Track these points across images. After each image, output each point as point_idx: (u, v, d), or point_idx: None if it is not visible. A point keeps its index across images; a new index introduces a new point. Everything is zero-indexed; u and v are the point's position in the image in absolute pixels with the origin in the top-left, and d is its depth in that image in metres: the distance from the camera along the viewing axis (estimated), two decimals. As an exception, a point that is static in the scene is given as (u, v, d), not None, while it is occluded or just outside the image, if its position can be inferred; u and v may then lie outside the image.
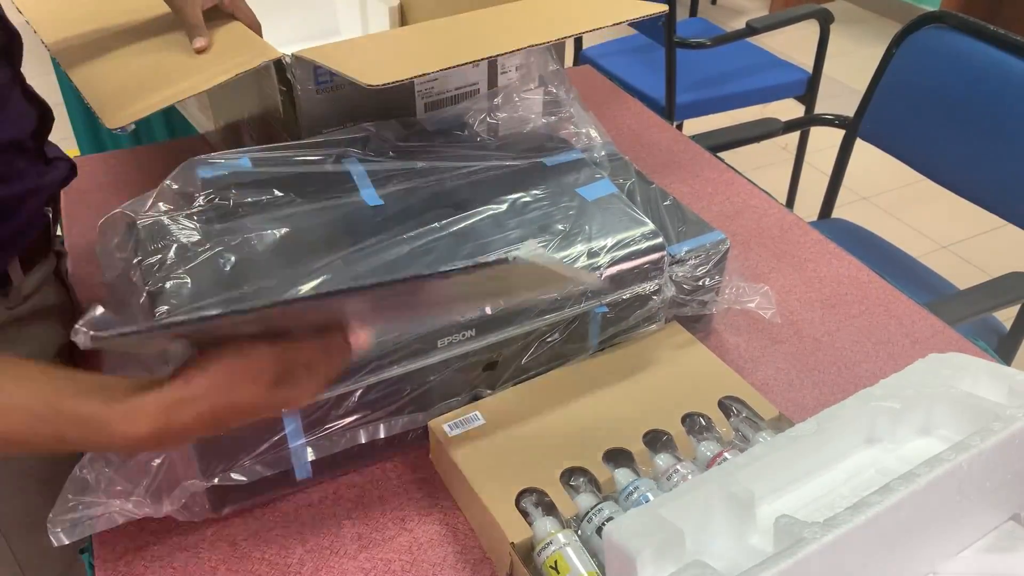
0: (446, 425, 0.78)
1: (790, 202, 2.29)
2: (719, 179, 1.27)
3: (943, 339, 0.98)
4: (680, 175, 1.28)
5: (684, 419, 0.80)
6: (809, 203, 1.98)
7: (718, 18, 4.02)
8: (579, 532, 0.70)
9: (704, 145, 1.37)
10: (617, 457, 0.77)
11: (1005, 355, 1.39)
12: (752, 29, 2.16)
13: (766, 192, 1.24)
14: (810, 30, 2.30)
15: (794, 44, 3.11)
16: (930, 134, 1.51)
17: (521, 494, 0.72)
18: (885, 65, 1.55)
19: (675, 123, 2.30)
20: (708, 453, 0.77)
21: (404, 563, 0.73)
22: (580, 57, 2.46)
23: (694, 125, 2.56)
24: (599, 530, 0.69)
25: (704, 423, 0.80)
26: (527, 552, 0.69)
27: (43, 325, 0.85)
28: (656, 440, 0.79)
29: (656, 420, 0.80)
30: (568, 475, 0.75)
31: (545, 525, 0.69)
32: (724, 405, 0.82)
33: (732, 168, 1.31)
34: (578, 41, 2.49)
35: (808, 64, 2.31)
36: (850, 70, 3.37)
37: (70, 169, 0.89)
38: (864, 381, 0.93)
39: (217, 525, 0.76)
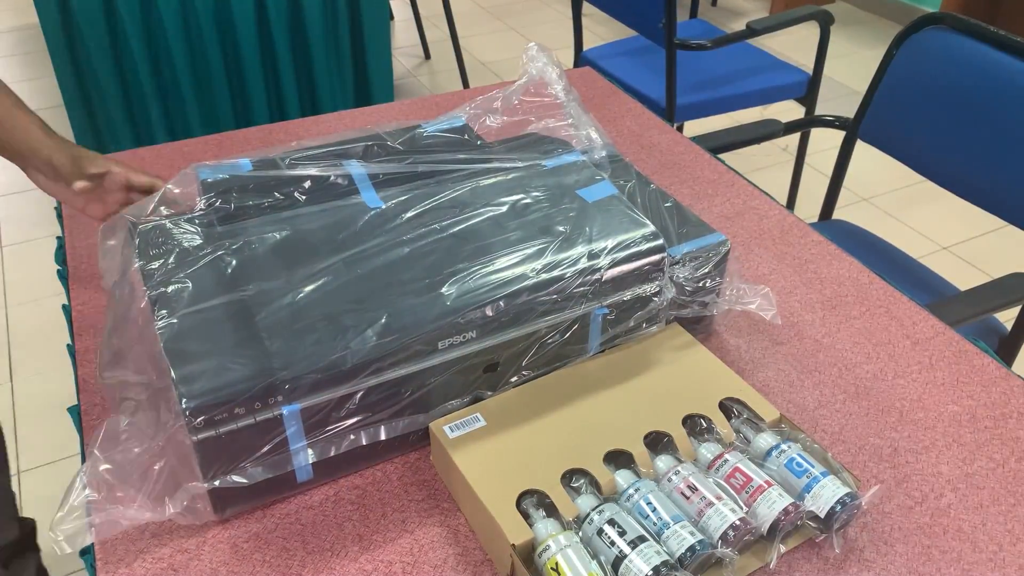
0: (447, 427, 0.79)
1: (791, 203, 2.29)
2: (719, 180, 1.27)
3: (944, 340, 0.98)
4: (680, 176, 1.28)
5: (685, 420, 0.80)
6: (809, 204, 1.98)
7: (718, 20, 4.02)
8: (580, 534, 0.70)
9: (704, 146, 1.37)
10: (618, 459, 0.77)
11: (1006, 356, 1.39)
12: (752, 31, 2.16)
13: (767, 193, 1.25)
14: (810, 32, 2.30)
15: (794, 45, 3.11)
16: (930, 135, 1.51)
17: (522, 496, 0.72)
18: (885, 66, 1.55)
19: (675, 124, 2.30)
20: (709, 455, 0.77)
21: (405, 564, 0.73)
22: (580, 59, 2.46)
23: (694, 127, 2.56)
24: (600, 532, 0.69)
25: (705, 425, 0.80)
26: (528, 554, 0.69)
27: None
28: (657, 442, 0.79)
29: (657, 422, 0.80)
30: (569, 477, 0.75)
31: (546, 527, 0.69)
32: (725, 407, 0.82)
33: (732, 169, 1.31)
34: (578, 43, 2.49)
35: (808, 65, 2.31)
36: (850, 71, 3.37)
37: None
38: (865, 382, 0.93)
39: (218, 527, 0.76)
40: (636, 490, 0.73)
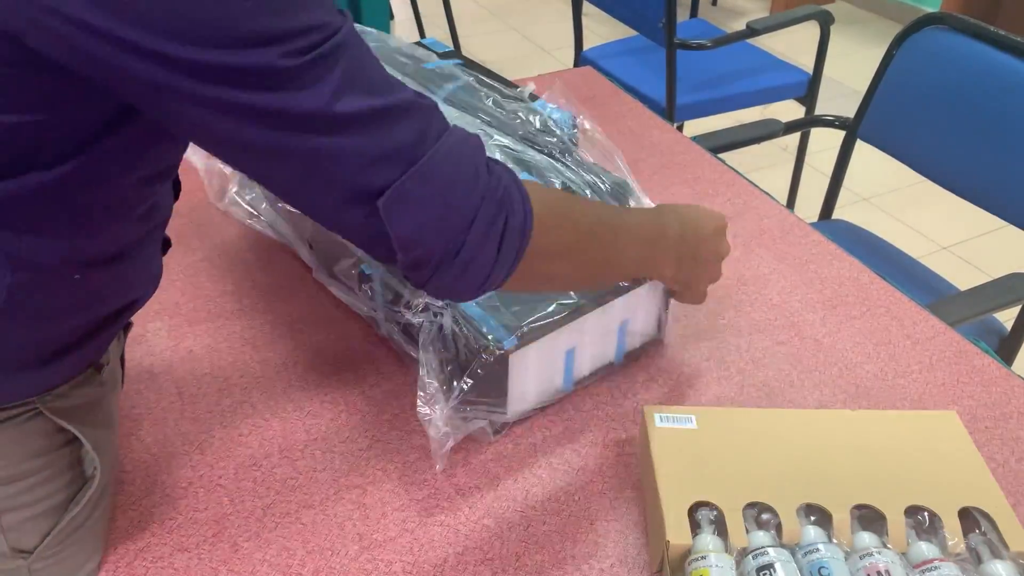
0: (657, 415, 0.79)
1: (791, 203, 2.29)
2: (720, 180, 1.27)
3: (944, 340, 0.98)
4: (681, 176, 1.28)
5: (909, 509, 0.72)
6: (810, 204, 1.98)
7: (718, 19, 4.02)
8: (739, 566, 0.67)
9: (705, 146, 1.37)
10: (814, 512, 0.72)
11: (1006, 356, 1.38)
12: (752, 30, 2.16)
13: (767, 193, 1.25)
14: (810, 31, 2.30)
15: (794, 45, 3.11)
16: (930, 135, 1.51)
17: (699, 505, 0.71)
18: (885, 66, 1.55)
19: (676, 124, 2.30)
20: (922, 554, 0.68)
21: (405, 564, 0.73)
22: (581, 58, 2.46)
23: (695, 126, 2.56)
24: (759, 571, 0.65)
25: (930, 522, 0.71)
26: (680, 559, 0.68)
27: (112, 395, 0.75)
28: (866, 516, 0.72)
29: (875, 495, 0.72)
30: (753, 507, 0.72)
31: (706, 540, 0.67)
32: (970, 515, 0.72)
33: (733, 169, 1.31)
34: (579, 43, 2.49)
35: (808, 65, 2.31)
36: (850, 71, 3.37)
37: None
38: (865, 382, 0.93)
39: (217, 527, 0.76)
40: (817, 550, 0.66)
